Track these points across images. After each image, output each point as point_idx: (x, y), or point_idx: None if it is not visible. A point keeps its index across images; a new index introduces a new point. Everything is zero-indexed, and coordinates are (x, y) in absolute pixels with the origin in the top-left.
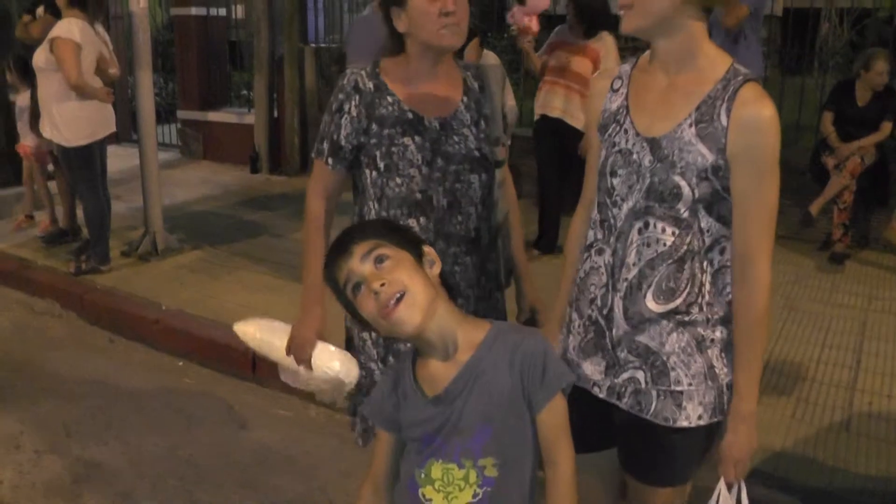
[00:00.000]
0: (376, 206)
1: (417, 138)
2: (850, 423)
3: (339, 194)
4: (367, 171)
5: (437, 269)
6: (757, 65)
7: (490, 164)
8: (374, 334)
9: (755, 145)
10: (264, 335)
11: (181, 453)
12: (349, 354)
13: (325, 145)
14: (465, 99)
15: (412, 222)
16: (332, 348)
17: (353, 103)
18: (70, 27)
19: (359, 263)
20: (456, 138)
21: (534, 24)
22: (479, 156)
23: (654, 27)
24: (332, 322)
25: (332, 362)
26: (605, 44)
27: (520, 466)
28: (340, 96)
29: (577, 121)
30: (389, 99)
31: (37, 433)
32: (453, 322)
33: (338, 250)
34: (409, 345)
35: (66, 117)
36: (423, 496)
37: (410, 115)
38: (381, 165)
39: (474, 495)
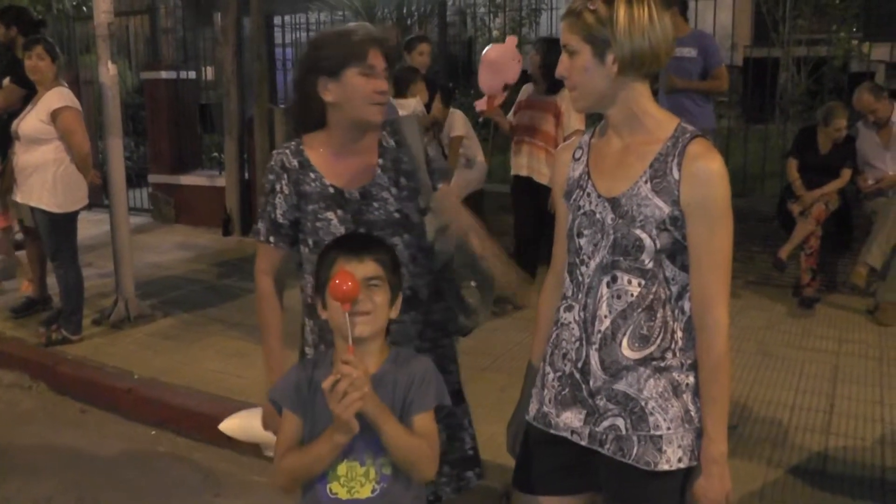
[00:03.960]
0: (311, 279)
1: (340, 211)
2: (825, 468)
3: (286, 269)
4: (302, 248)
5: (394, 314)
6: (708, 118)
7: (412, 222)
8: (311, 322)
9: (706, 196)
10: (244, 422)
11: None
12: None
13: (264, 226)
14: (381, 161)
15: None
16: None
17: (283, 182)
18: (71, 97)
19: (361, 273)
20: (376, 204)
21: (494, 103)
22: (400, 217)
23: (599, 102)
24: None
25: None
26: (566, 99)
27: None
28: (271, 177)
29: (542, 177)
30: (312, 175)
31: None
32: (376, 344)
33: (357, 248)
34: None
35: (65, 182)
36: (330, 490)
37: (332, 190)
38: (311, 242)
39: (373, 490)
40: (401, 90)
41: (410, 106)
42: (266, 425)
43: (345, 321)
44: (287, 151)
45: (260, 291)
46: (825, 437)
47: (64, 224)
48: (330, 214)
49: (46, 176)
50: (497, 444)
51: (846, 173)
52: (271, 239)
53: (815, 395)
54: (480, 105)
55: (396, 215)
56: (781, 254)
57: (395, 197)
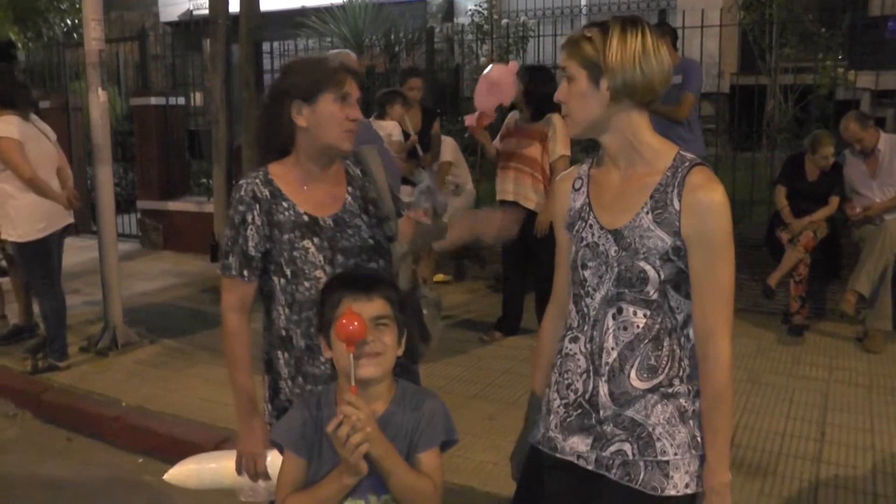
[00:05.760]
0: (287, 311)
1: (316, 239)
2: (816, 496)
3: (253, 303)
4: (276, 279)
5: (400, 353)
6: (699, 144)
7: (385, 248)
8: (286, 354)
9: (707, 227)
10: (210, 464)
11: None
12: None
13: (234, 259)
14: (350, 189)
15: None
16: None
17: (255, 213)
18: (7, 126)
19: (369, 312)
20: (350, 231)
21: (483, 121)
22: (374, 243)
23: (592, 128)
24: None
25: None
26: (552, 125)
27: None
28: (241, 208)
29: (529, 202)
30: (285, 204)
31: None
32: (384, 384)
33: (364, 286)
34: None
35: (22, 212)
36: None
37: (306, 218)
38: (288, 272)
39: None
40: (381, 113)
41: (388, 128)
42: (239, 469)
43: (349, 362)
44: (257, 181)
45: (230, 328)
46: (816, 466)
47: (31, 253)
48: (307, 243)
49: (5, 206)
50: (486, 473)
51: (834, 201)
52: (245, 273)
53: (805, 423)
54: (470, 120)
55: (371, 241)
56: (770, 281)
57: (367, 224)
